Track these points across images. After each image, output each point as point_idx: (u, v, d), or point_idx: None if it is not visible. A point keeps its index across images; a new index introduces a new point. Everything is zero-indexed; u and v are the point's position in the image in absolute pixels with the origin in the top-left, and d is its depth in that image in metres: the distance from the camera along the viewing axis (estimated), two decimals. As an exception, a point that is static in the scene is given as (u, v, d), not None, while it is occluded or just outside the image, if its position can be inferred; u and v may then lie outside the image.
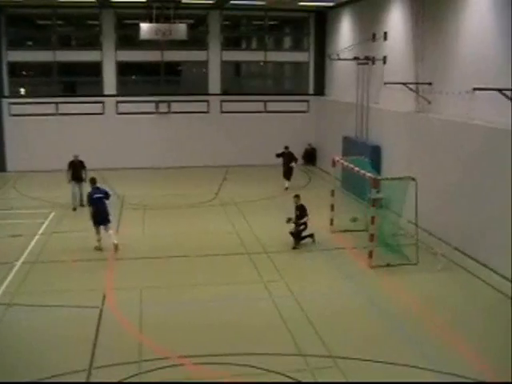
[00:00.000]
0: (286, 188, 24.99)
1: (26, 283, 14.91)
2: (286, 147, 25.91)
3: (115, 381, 10.11)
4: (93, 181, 17.93)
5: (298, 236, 17.74)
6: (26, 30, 31.58)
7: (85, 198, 19.70)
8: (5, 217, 21.24)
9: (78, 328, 12.36)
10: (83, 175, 21.91)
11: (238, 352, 11.17)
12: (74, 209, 21.77)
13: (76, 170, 22.09)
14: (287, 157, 25.73)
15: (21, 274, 15.51)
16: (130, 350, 11.28)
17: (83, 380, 10.21)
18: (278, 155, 25.90)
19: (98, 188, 17.73)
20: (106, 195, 17.59)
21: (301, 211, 17.84)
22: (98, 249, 17.36)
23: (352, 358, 10.93)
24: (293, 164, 25.65)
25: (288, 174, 25.65)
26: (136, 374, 10.43)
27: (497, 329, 12.25)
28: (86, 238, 18.09)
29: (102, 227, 17.36)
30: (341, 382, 9.58)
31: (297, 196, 18.21)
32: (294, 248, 17.57)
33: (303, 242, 17.84)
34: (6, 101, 29.47)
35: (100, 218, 17.29)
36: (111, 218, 17.68)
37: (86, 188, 19.86)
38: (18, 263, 16.27)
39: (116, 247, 17.21)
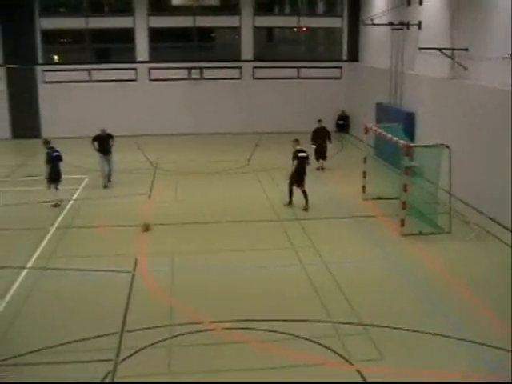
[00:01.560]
0: (323, 168, 22.75)
1: (60, 248, 15.16)
2: (320, 120, 23.09)
3: (147, 344, 10.27)
4: (47, 141, 18.95)
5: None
6: (58, -3, 31.65)
7: (114, 179, 20.77)
8: (39, 183, 21.53)
9: (111, 292, 12.57)
10: (111, 147, 21.04)
11: (268, 318, 11.23)
12: (105, 186, 20.68)
13: (103, 142, 20.86)
14: (321, 134, 22.67)
15: (55, 239, 15.78)
16: (161, 315, 11.43)
17: (116, 344, 10.39)
18: (313, 137, 22.54)
19: (52, 147, 18.68)
20: (60, 155, 18.72)
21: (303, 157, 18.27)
22: (58, 205, 18.33)
23: (381, 326, 10.92)
24: (327, 143, 22.76)
25: (323, 153, 22.71)
26: (168, 338, 10.58)
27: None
28: (119, 204, 18.31)
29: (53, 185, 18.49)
30: (342, 383, 9.62)
31: (296, 140, 18.52)
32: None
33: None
34: (39, 68, 29.73)
35: (58, 175, 18.55)
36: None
37: (116, 171, 20.97)
38: (52, 229, 16.53)
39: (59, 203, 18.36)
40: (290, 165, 18.35)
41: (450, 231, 15.79)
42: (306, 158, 18.41)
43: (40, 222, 16.91)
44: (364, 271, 13.63)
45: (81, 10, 29.95)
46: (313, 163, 20.76)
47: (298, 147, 18.31)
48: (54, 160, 18.41)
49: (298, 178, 18.12)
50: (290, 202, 18.41)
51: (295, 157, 18.15)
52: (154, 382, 9.58)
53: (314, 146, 22.25)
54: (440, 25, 20.42)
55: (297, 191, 18.18)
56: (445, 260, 14.21)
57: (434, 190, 16.63)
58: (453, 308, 11.73)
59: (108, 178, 20.85)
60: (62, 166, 18.82)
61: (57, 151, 18.61)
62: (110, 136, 21.06)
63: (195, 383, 9.55)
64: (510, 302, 11.66)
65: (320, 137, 22.51)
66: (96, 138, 20.87)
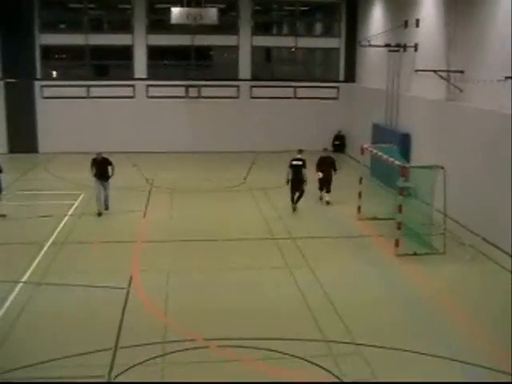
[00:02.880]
0: (328, 202, 20.90)
1: (55, 263, 15.14)
2: (325, 149, 22.09)
3: (140, 360, 10.25)
4: None
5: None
6: (58, 13, 31.91)
7: (110, 200, 19.49)
8: (35, 198, 21.56)
9: (105, 308, 12.54)
10: (109, 173, 19.45)
11: (262, 336, 11.22)
12: (99, 214, 19.22)
13: (100, 167, 19.37)
14: (327, 163, 21.05)
15: (50, 254, 15.77)
16: (155, 332, 11.41)
17: (109, 359, 10.37)
18: (318, 165, 20.93)
19: None
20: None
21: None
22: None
23: (376, 346, 10.92)
24: (332, 172, 21.02)
25: (328, 183, 20.98)
26: (161, 355, 10.56)
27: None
28: (114, 219, 18.30)
29: None
30: (339, 383, 9.58)
31: (300, 151, 19.88)
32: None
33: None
34: (38, 83, 29.85)
35: None
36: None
37: (112, 188, 19.67)
38: (48, 243, 16.52)
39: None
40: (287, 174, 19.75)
41: (445, 252, 15.83)
42: (301, 166, 19.46)
43: (36, 237, 16.90)
44: (358, 291, 13.63)
45: (81, 27, 30.15)
46: (316, 193, 21.02)
47: (298, 156, 19.59)
48: None
49: (295, 184, 19.58)
50: (294, 209, 19.79)
51: (290, 165, 19.63)
52: (154, 381, 9.61)
53: (320, 175, 20.82)
54: (436, 47, 20.61)
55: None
56: (439, 281, 14.23)
57: (429, 210, 16.69)
58: (447, 329, 11.73)
59: (105, 205, 19.48)
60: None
61: None
62: (106, 161, 19.52)
63: (194, 383, 9.58)
64: (507, 322, 11.69)
65: (325, 166, 20.96)
66: (93, 163, 19.50)
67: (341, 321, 11.99)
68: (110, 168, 19.45)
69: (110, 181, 19.57)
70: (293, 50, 32.06)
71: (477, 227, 17.11)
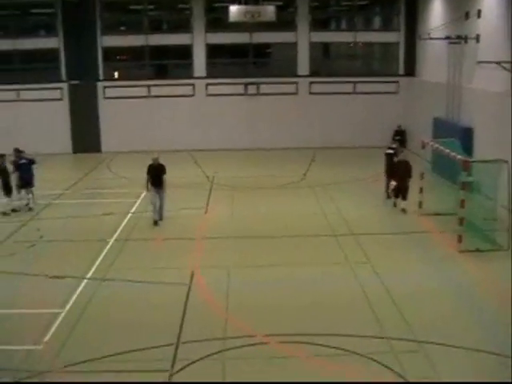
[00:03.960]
0: (403, 210, 19.00)
1: (118, 260, 15.49)
2: (394, 149, 20.19)
3: (199, 357, 10.40)
4: (17, 150, 20.13)
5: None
6: (119, 16, 32.51)
7: (165, 209, 18.54)
8: (99, 196, 22.07)
9: (167, 304, 12.76)
10: (164, 182, 18.30)
11: (322, 332, 11.23)
12: (155, 222, 18.30)
13: (156, 174, 18.26)
14: (402, 169, 18.96)
15: (113, 250, 16.13)
16: (216, 327, 11.56)
17: (171, 355, 10.55)
18: (391, 171, 19.53)
19: (21, 156, 20.00)
20: (30, 162, 20.03)
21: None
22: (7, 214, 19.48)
23: (437, 343, 10.78)
24: (408, 180, 18.99)
25: (404, 190, 19.02)
26: (221, 351, 10.68)
27: None
28: (176, 216, 18.58)
29: (23, 190, 19.88)
30: (348, 383, 9.49)
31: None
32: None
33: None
34: (100, 84, 30.50)
35: (24, 181, 19.71)
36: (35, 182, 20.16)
37: (168, 198, 18.68)
38: (111, 240, 16.91)
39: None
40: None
41: (509, 249, 15.47)
42: (393, 154, 20.05)
43: (99, 234, 17.33)
44: (420, 287, 13.45)
45: (141, 28, 30.67)
46: (389, 200, 19.95)
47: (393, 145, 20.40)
48: (20, 167, 19.69)
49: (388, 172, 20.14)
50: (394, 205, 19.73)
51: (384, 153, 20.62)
52: (153, 381, 9.76)
53: (394, 184, 19.20)
54: (499, 38, 20.12)
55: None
56: (503, 278, 13.87)
57: (493, 206, 16.32)
58: (509, 328, 11.47)
59: (160, 214, 18.42)
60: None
61: (25, 159, 19.92)
62: (162, 168, 18.38)
63: (196, 383, 9.71)
64: None
65: (399, 173, 19.00)
66: (149, 169, 18.41)
67: (402, 317, 11.87)
68: (164, 176, 18.32)
69: (165, 191, 18.49)
70: (351, 45, 31.78)
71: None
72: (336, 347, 10.68)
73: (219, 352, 10.64)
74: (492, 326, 11.59)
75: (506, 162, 15.40)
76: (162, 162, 18.56)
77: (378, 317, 11.93)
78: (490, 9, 20.90)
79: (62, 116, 30.13)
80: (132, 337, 11.28)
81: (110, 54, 31.44)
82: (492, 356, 10.34)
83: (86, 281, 14.03)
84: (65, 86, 30.21)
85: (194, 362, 10.24)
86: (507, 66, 19.07)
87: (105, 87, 30.50)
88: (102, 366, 10.24)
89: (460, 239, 15.54)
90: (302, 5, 30.60)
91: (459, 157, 16.31)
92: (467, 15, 22.69)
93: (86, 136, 30.27)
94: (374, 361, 10.19)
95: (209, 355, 10.48)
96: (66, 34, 29.78)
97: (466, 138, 21.21)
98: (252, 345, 10.89)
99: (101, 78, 30.69)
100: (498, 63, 19.25)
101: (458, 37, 23.22)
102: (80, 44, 29.75)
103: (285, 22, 30.98)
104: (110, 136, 30.32)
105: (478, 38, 21.87)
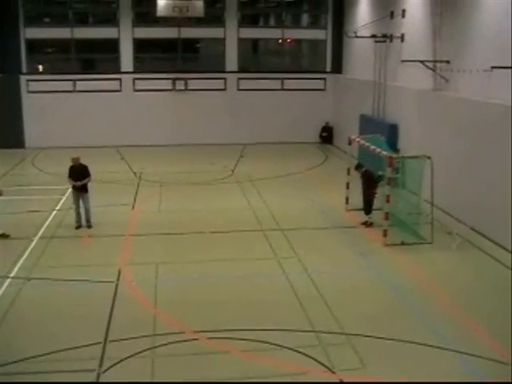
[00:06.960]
0: (367, 223, 17.57)
1: (43, 258, 15.10)
2: (359, 165, 18.36)
3: (130, 353, 10.26)
4: None
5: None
6: (43, 7, 31.64)
7: (91, 215, 17.22)
8: (23, 193, 21.45)
9: (94, 302, 12.55)
10: (87, 184, 17.15)
11: (251, 327, 11.27)
12: (77, 227, 17.16)
13: (77, 176, 17.06)
14: (366, 178, 17.65)
15: (38, 249, 15.72)
16: (145, 325, 11.43)
17: (99, 353, 10.37)
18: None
19: None
20: None
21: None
22: None
23: (364, 335, 10.99)
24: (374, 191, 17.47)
25: (368, 203, 17.57)
26: (150, 348, 10.58)
27: (509, 309, 12.22)
28: (102, 213, 18.25)
29: None
30: (345, 383, 9.65)
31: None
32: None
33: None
34: (23, 77, 29.62)
35: None
36: None
37: (94, 194, 17.95)
38: (36, 238, 16.47)
39: None
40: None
41: (433, 241, 15.92)
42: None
43: (24, 232, 16.84)
44: (347, 281, 13.69)
45: (66, 20, 29.94)
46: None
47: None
48: None
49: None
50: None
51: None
52: (153, 381, 9.64)
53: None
54: (422, 37, 20.66)
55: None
56: (427, 270, 14.31)
57: (417, 200, 16.76)
58: (436, 317, 11.80)
59: (87, 220, 17.25)
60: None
61: None
62: (85, 169, 17.23)
63: (193, 383, 9.61)
64: (494, 309, 11.78)
65: (365, 180, 17.74)
66: (70, 171, 17.31)
67: (329, 310, 12.04)
68: (87, 179, 17.14)
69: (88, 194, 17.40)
70: (279, 41, 31.98)
71: (464, 216, 17.20)
72: (265, 341, 10.74)
73: (148, 349, 10.53)
74: (419, 316, 11.88)
75: (429, 157, 15.81)
76: (85, 160, 17.64)
77: (306, 311, 12.05)
78: (414, 9, 21.44)
79: (-17, 110, 29.11)
80: (59, 336, 11.01)
81: (35, 46, 30.52)
82: (420, 346, 10.61)
83: (9, 280, 13.61)
84: (-14, 78, 29.24)
85: (122, 360, 10.10)
86: (430, 64, 19.61)
87: (28, 81, 29.65)
88: (31, 367, 9.98)
89: (385, 233, 15.88)
90: (230, 1, 30.58)
91: (384, 153, 16.65)
92: (392, 15, 23.20)
93: (8, 131, 29.28)
94: (303, 354, 10.30)
95: (138, 353, 10.35)
96: (-14, 26, 28.77)
97: (391, 135, 21.71)
98: (181, 341, 10.83)
99: (24, 71, 29.81)
100: (421, 62, 19.77)
101: (384, 35, 23.72)
102: (1, 36, 28.73)
103: (214, 17, 30.93)
104: (34, 131, 29.45)
105: (402, 37, 22.40)
